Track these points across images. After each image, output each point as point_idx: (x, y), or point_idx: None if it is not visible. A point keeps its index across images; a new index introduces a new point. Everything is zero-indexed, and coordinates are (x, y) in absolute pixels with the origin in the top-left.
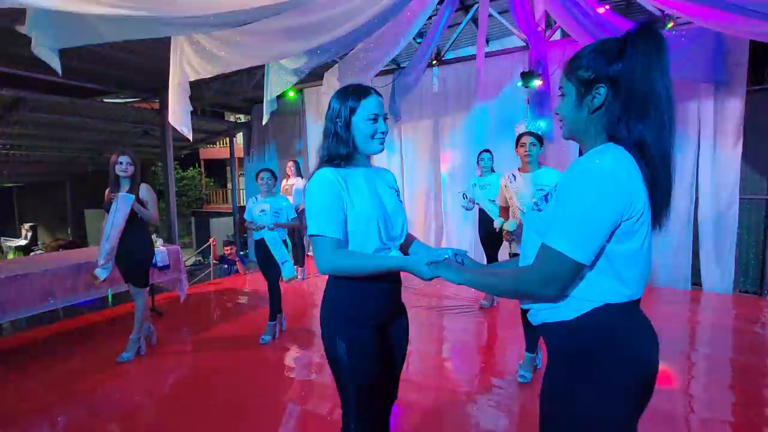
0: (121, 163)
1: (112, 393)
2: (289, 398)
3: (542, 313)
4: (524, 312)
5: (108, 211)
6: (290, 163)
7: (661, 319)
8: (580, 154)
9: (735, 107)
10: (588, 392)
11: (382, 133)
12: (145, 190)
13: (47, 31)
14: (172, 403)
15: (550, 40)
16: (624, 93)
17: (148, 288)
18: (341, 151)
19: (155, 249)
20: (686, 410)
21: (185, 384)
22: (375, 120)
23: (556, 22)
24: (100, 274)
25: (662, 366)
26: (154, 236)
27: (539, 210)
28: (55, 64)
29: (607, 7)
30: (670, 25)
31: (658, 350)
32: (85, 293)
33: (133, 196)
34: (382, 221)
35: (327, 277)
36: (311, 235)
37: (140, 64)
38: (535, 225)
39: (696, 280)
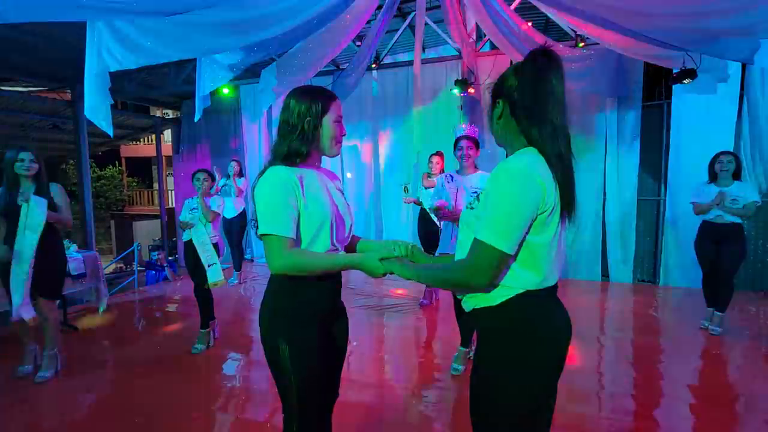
0: (22, 160)
1: (17, 418)
2: (225, 408)
3: (472, 300)
4: (458, 308)
5: (4, 215)
6: (233, 163)
7: (577, 308)
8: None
9: (633, 119)
10: (510, 366)
11: (343, 136)
12: (56, 191)
13: None
14: (90, 427)
15: (481, 51)
16: (518, 106)
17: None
18: (303, 149)
19: (68, 255)
20: (598, 387)
21: (105, 404)
22: (341, 123)
23: (486, 35)
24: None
25: (578, 348)
26: (66, 241)
27: (472, 209)
28: None
29: (530, 24)
30: (581, 44)
31: (570, 330)
32: None
33: (46, 201)
34: (334, 223)
35: (264, 280)
36: (263, 234)
37: (49, 49)
38: (468, 222)
39: (605, 272)
